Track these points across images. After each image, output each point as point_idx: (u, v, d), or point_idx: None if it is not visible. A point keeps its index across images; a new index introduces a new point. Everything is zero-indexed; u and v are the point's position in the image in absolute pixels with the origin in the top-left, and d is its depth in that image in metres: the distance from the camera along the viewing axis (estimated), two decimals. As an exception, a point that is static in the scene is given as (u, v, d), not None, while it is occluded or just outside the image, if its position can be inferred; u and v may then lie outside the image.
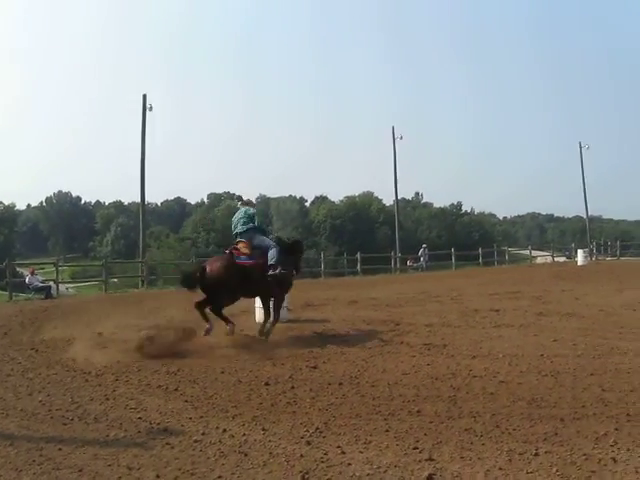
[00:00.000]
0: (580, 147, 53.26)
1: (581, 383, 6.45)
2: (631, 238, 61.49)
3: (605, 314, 11.71)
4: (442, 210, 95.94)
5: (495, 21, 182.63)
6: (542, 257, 48.93)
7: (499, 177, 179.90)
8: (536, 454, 4.43)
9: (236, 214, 10.27)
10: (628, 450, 4.45)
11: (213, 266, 9.46)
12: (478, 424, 5.18)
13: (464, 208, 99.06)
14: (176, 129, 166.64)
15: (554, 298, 15.06)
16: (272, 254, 9.54)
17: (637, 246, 46.08)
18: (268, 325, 9.80)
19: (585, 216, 57.51)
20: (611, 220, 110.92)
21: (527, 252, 48.14)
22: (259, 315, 10.99)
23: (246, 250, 9.63)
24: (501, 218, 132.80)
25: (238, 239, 9.88)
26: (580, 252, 33.73)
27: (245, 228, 9.87)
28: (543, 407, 5.64)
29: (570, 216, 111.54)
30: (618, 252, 41.78)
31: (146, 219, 37.31)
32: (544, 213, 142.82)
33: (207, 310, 9.39)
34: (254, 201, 10.68)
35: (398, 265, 37.89)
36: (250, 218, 10.01)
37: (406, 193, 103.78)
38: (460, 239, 76.86)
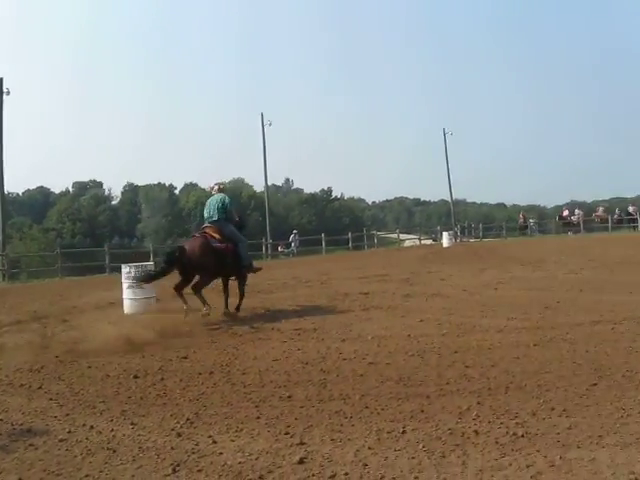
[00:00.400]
0: (444, 133, 55.85)
1: (446, 361, 6.79)
2: (493, 220, 65.10)
3: (468, 294, 12.38)
4: (312, 196, 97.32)
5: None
6: (410, 240, 50.86)
7: (368, 163, 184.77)
8: (404, 432, 4.61)
9: (212, 199, 10.95)
10: (489, 422, 4.73)
11: (192, 245, 10.18)
12: (348, 406, 5.31)
13: (334, 194, 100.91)
14: (39, 114, 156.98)
15: (421, 280, 15.70)
16: (243, 254, 10.79)
17: (498, 228, 48.79)
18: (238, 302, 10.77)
19: (450, 200, 60.48)
20: (474, 203, 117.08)
21: (395, 236, 49.84)
22: (127, 307, 11.32)
23: (217, 235, 10.33)
24: (370, 203, 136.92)
25: (207, 224, 10.66)
26: (445, 234, 35.37)
27: (218, 217, 10.59)
28: (410, 386, 5.87)
29: (436, 200, 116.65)
30: (481, 234, 44.18)
31: (7, 209, 35.21)
32: (411, 197, 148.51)
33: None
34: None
35: (269, 251, 38.12)
36: (225, 207, 10.67)
37: (276, 179, 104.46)
38: (331, 224, 78.34)
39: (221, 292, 10.95)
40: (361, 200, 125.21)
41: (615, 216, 40.63)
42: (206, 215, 10.86)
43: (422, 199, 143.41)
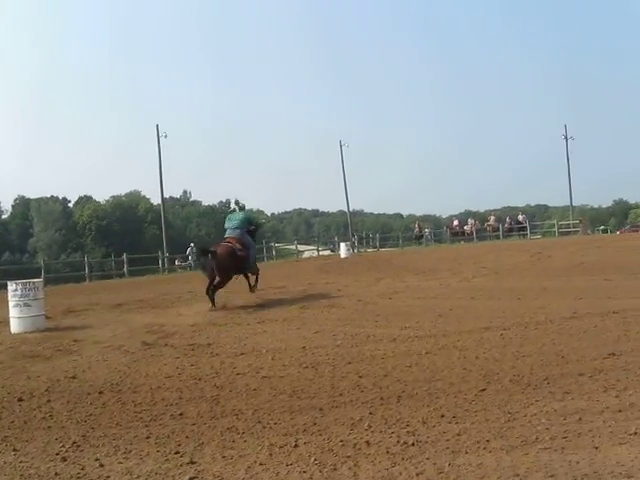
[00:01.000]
0: (340, 145, 56.79)
1: (339, 372, 6.85)
2: (390, 230, 66.67)
3: (363, 304, 12.55)
4: (211, 208, 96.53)
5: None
6: (309, 251, 51.19)
7: (268, 174, 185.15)
8: (296, 445, 4.62)
9: (235, 214, 14.66)
10: (381, 432, 4.80)
11: (222, 250, 13.06)
12: (240, 421, 5.27)
13: (232, 206, 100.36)
14: None
15: (317, 291, 15.80)
16: (252, 257, 14.25)
17: (395, 238, 49.93)
18: (253, 284, 14.40)
19: (347, 210, 61.42)
20: (372, 214, 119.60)
21: (294, 247, 50.06)
22: (14, 326, 11.05)
23: (238, 245, 13.30)
24: (269, 214, 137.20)
25: (230, 234, 13.74)
26: (343, 245, 35.72)
27: (240, 228, 13.81)
28: (303, 398, 5.89)
29: (334, 211, 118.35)
30: (378, 244, 45.01)
31: None
32: (310, 208, 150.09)
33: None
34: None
35: (166, 265, 37.41)
36: (248, 222, 14.22)
37: (174, 191, 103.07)
38: (230, 236, 77.70)
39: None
40: (260, 212, 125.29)
41: (506, 225, 42.49)
42: (229, 226, 13.98)
43: (321, 210, 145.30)
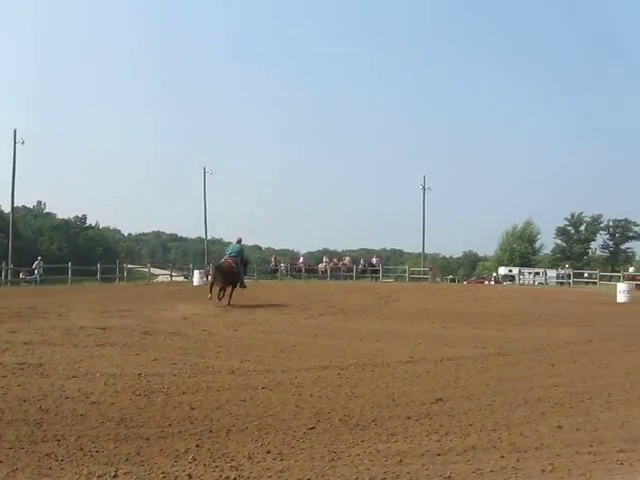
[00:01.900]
0: (204, 172, 56.53)
1: (172, 402, 6.76)
2: (248, 262, 66.58)
3: (208, 334, 12.49)
4: (65, 222, 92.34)
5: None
6: (162, 276, 50.09)
7: (127, 193, 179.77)
8: (115, 476, 4.50)
9: (234, 246, 21.19)
10: (204, 466, 4.78)
11: (227, 264, 19.67)
12: (61, 448, 5.07)
13: (89, 221, 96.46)
14: None
15: (163, 317, 15.51)
16: (242, 277, 20.58)
17: (251, 269, 49.79)
18: (229, 295, 19.66)
19: (204, 237, 60.90)
20: (230, 243, 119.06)
21: (147, 270, 48.82)
22: None
23: (234, 265, 19.74)
24: (126, 234, 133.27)
25: (228, 257, 20.21)
26: (196, 272, 35.30)
27: (235, 255, 20.25)
28: (131, 427, 5.75)
29: (193, 237, 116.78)
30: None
31: None
32: (168, 232, 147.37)
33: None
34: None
35: (9, 277, 35.27)
36: (240, 252, 20.71)
37: (28, 201, 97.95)
38: (83, 252, 74.91)
39: None
40: (117, 231, 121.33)
41: (360, 266, 43.69)
42: (228, 252, 20.70)
43: (179, 235, 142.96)
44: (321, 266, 44.27)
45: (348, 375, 8.57)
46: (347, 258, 46.01)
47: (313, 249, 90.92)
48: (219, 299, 19.13)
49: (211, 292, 19.25)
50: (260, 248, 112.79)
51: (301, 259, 47.14)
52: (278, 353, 10.25)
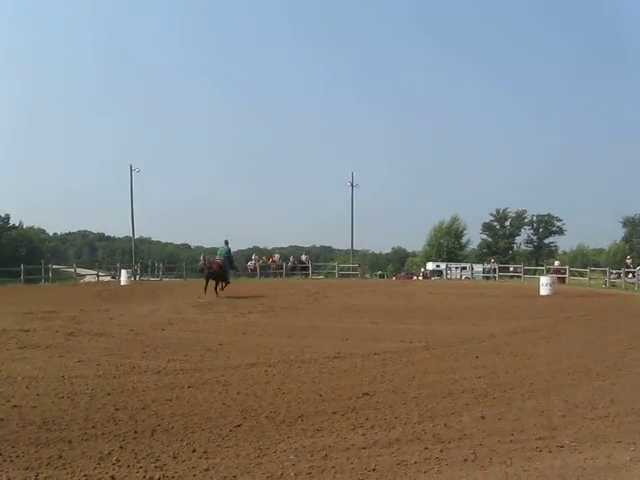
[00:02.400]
0: (131, 170, 55.39)
1: (96, 403, 6.65)
2: (177, 260, 65.70)
3: (134, 334, 12.29)
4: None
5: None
6: (89, 276, 48.93)
7: (52, 193, 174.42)
8: (36, 480, 4.41)
9: (223, 247, 23.96)
10: (128, 467, 4.74)
11: (218, 263, 22.82)
12: (-21, 454, 4.92)
13: (12, 221, 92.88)
14: None
15: (89, 318, 15.15)
16: (229, 272, 23.89)
17: (180, 268, 49.19)
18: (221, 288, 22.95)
19: (132, 236, 59.72)
20: (159, 242, 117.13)
21: (73, 270, 47.57)
22: None
23: (222, 264, 22.81)
24: (51, 234, 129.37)
25: (219, 257, 23.42)
26: (124, 272, 34.63)
27: (225, 255, 23.33)
28: (53, 430, 5.64)
29: (121, 236, 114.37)
30: (161, 273, 44.11)
31: None
32: (95, 232, 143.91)
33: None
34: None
35: None
36: (227, 252, 23.74)
37: None
38: (6, 253, 72.08)
39: None
40: (42, 230, 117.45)
41: (289, 263, 43.72)
42: (218, 253, 23.90)
43: (107, 234, 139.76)
44: (250, 264, 44.02)
45: (275, 372, 8.61)
46: (276, 255, 46.00)
47: (243, 247, 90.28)
48: (216, 292, 22.64)
49: (206, 288, 22.63)
50: (189, 247, 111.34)
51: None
52: (205, 352, 10.19)
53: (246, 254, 56.85)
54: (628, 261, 41.64)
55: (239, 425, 5.94)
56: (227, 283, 23.48)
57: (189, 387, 7.53)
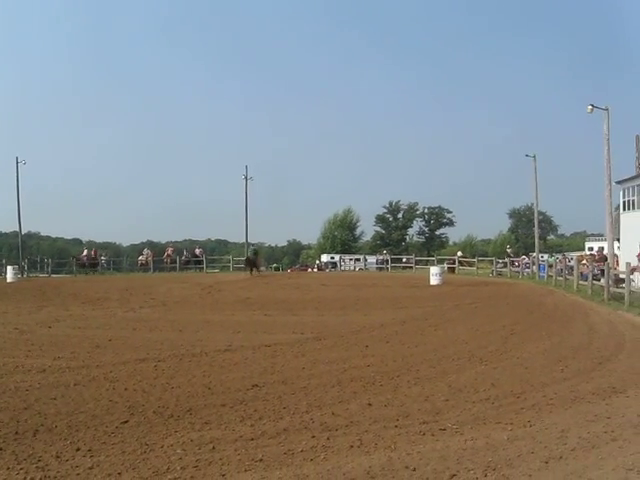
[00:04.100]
0: (17, 162, 52.68)
1: (-25, 406, 6.32)
2: (67, 256, 63.04)
3: (19, 332, 11.80)
4: None
5: None
6: (-28, 272, 46.25)
7: None
8: None
9: (252, 247, 51.28)
10: (8, 469, 4.62)
11: (252, 257, 37.93)
12: None
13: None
14: None
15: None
16: (261, 261, 41.46)
17: (70, 264, 47.24)
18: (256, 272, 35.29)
19: (19, 231, 56.85)
20: (49, 237, 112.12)
21: (-47, 267, 44.85)
22: None
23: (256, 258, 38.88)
24: None
25: (250, 254, 41.85)
26: (10, 268, 32.99)
27: (254, 252, 42.29)
28: None
29: (7, 231, 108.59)
30: (50, 269, 42.31)
31: None
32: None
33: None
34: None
35: None
36: (256, 251, 44.30)
37: None
38: None
39: None
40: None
41: (183, 257, 42.99)
42: (250, 250, 45.69)
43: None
44: (141, 258, 42.95)
45: (165, 367, 8.50)
46: (170, 249, 45.06)
47: (136, 241, 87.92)
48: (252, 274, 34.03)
49: (250, 272, 34.64)
50: (81, 241, 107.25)
51: (84, 252, 43.81)
52: (94, 348, 9.92)
53: (139, 248, 55.38)
54: (508, 250, 43.89)
55: (126, 421, 5.82)
56: (259, 271, 36.67)
57: (75, 385, 7.31)
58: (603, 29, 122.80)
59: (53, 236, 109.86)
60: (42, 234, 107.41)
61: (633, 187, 27.48)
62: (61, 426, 5.64)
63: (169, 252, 44.08)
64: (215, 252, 78.05)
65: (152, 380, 7.65)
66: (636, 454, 4.96)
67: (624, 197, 28.40)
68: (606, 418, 6.03)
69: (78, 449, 5.02)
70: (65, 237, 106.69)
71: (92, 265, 41.43)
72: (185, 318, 14.44)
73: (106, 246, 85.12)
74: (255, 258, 37.39)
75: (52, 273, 39.98)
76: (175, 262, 42.01)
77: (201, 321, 13.82)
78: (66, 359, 8.95)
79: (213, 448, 5.11)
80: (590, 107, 24.78)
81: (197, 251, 44.97)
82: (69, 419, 5.86)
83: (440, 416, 6.09)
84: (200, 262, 42.81)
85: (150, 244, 70.51)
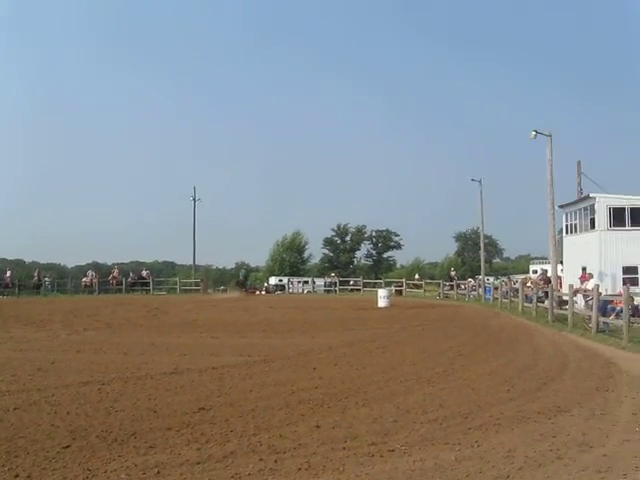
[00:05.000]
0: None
1: None
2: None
3: (-44, 355, 11.32)
4: None
5: None
6: None
7: None
8: None
9: (244, 271, 56.89)
10: None
11: (240, 281, 44.88)
12: None
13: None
14: None
15: None
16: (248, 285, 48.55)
17: (12, 285, 45.95)
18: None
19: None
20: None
21: None
22: None
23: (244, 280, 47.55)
24: None
25: (240, 276, 48.00)
26: None
27: (242, 276, 48.00)
28: None
29: None
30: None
31: None
32: None
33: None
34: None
35: None
36: (247, 275, 54.20)
37: None
38: None
39: None
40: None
41: (129, 279, 42.32)
42: (241, 274, 49.03)
43: None
44: (85, 280, 42.03)
45: (109, 390, 8.30)
46: (115, 271, 44.31)
47: (82, 262, 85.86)
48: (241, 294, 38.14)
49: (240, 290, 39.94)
50: (24, 262, 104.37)
51: (8, 273, 42.19)
52: (35, 371, 9.63)
53: (85, 269, 54.20)
54: (452, 273, 44.52)
55: (67, 446, 5.65)
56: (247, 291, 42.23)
57: (15, 409, 7.07)
58: (551, 55, 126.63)
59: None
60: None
61: (575, 211, 28.32)
62: (0, 452, 5.44)
63: (115, 274, 43.32)
64: (162, 274, 77.03)
65: (95, 404, 7.45)
66: (581, 472, 5.08)
67: (566, 221, 29.27)
68: (552, 437, 6.13)
69: (17, 475, 4.86)
70: (7, 258, 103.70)
71: (36, 287, 40.50)
72: (130, 340, 14.17)
73: (50, 267, 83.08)
74: (244, 280, 44.80)
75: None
76: (121, 284, 41.32)
77: (147, 343, 13.57)
78: (6, 382, 8.66)
79: (158, 473, 5.00)
80: (534, 133, 25.36)
81: (144, 273, 44.36)
82: (8, 444, 5.65)
83: (389, 437, 6.10)
84: (147, 284, 42.19)
85: (95, 265, 69.16)
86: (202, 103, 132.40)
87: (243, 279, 46.35)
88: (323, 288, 47.90)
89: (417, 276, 46.67)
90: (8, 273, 40.64)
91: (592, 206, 26.07)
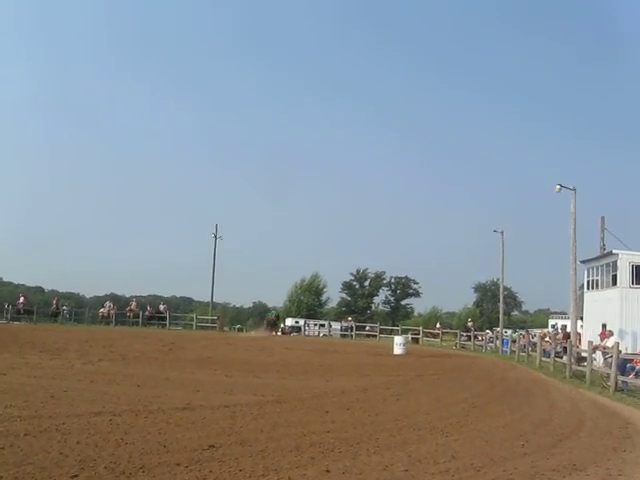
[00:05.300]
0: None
1: None
2: (30, 304, 61.64)
3: (-29, 379, 11.37)
4: None
5: None
6: None
7: None
8: None
9: (273, 311, 54.85)
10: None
11: (272, 320, 45.64)
12: None
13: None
14: None
15: None
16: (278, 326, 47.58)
17: (31, 312, 46.24)
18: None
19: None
20: (11, 283, 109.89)
21: None
22: None
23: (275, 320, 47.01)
24: None
25: (271, 316, 48.58)
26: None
27: (274, 316, 48.37)
28: None
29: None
30: (9, 316, 41.30)
31: None
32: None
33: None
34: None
35: None
36: (278, 315, 51.48)
37: None
38: None
39: None
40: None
41: (147, 312, 42.42)
42: (271, 315, 49.08)
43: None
44: (102, 310, 42.20)
45: (120, 422, 8.25)
46: (133, 303, 44.45)
47: (100, 293, 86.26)
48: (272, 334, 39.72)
49: (270, 330, 41.79)
50: (43, 290, 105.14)
51: (21, 298, 42.66)
52: (48, 399, 9.63)
53: (103, 300, 54.46)
54: (469, 324, 44.14)
55: (75, 475, 5.62)
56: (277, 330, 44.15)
57: (25, 435, 7.05)
58: (577, 111, 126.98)
59: (15, 282, 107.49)
60: (4, 280, 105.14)
61: (597, 267, 27.93)
62: (7, 477, 5.43)
63: (132, 306, 43.46)
64: (179, 309, 77.15)
65: (106, 434, 7.41)
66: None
67: (588, 277, 28.78)
68: (566, 496, 6.00)
69: (23, 503, 4.83)
70: (27, 284, 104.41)
71: (54, 315, 40.73)
72: (144, 373, 14.15)
73: (69, 296, 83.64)
74: (275, 321, 45.48)
75: (12, 320, 39.01)
76: (138, 316, 41.41)
77: (160, 377, 13.53)
78: (18, 408, 8.65)
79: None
80: (558, 186, 25.41)
81: (161, 307, 44.45)
82: (16, 470, 5.63)
83: (399, 485, 6.01)
84: (164, 318, 42.21)
85: (113, 297, 69.45)
86: (231, 142, 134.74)
87: (275, 319, 46.36)
88: (339, 332, 47.54)
89: (438, 325, 46.33)
90: (21, 299, 41.04)
91: (614, 262, 25.65)
